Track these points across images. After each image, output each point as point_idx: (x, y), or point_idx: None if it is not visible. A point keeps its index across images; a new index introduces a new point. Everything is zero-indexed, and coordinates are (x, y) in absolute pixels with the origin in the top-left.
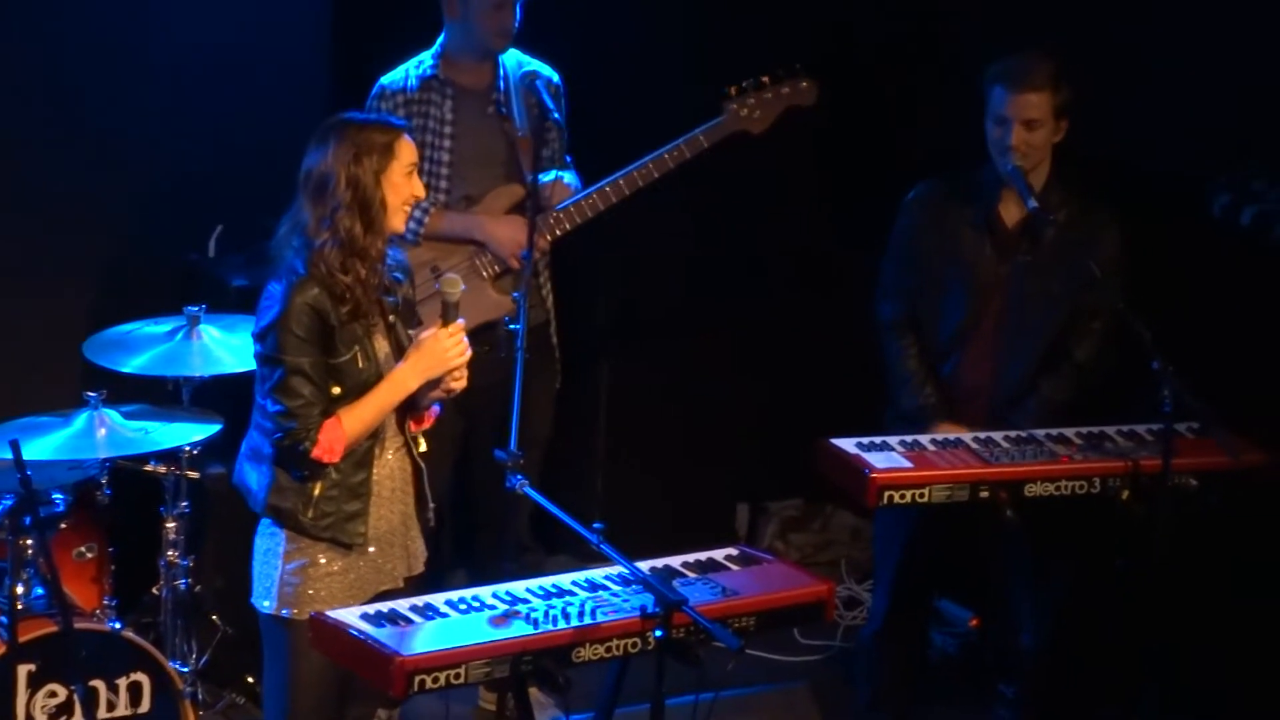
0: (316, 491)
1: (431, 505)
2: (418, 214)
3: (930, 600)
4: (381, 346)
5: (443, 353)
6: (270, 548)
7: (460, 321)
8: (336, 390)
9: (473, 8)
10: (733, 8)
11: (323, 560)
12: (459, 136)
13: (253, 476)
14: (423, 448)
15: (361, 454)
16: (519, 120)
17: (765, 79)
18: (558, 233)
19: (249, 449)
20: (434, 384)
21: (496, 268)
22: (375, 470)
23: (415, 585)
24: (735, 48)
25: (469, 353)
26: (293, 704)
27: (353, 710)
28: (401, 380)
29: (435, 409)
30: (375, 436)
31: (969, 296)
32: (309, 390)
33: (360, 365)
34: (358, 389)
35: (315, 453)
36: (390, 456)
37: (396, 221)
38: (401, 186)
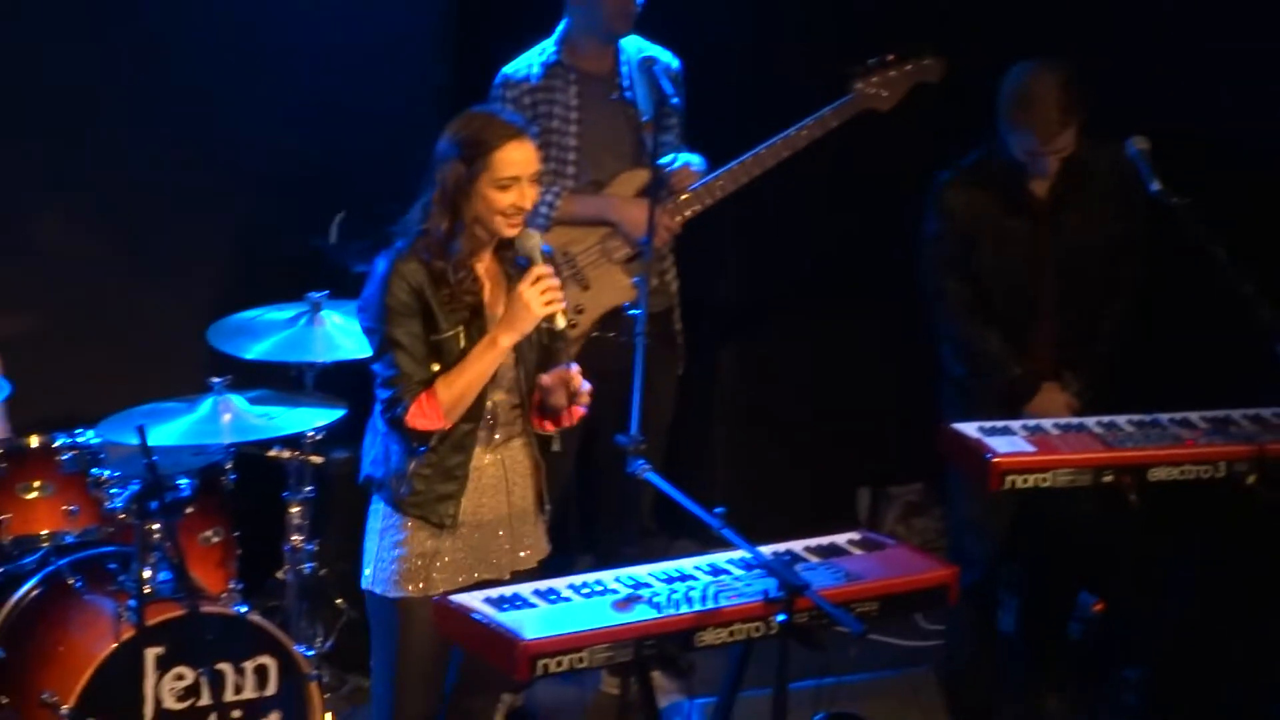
0: (410, 468)
1: (547, 506)
2: (549, 198)
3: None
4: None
5: (526, 305)
6: (375, 525)
7: (544, 268)
8: (435, 367)
9: None
10: None
11: (419, 540)
12: (584, 122)
13: (367, 447)
14: (556, 447)
15: (460, 437)
16: (643, 104)
17: (892, 56)
18: (687, 214)
19: (371, 421)
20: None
21: (627, 251)
22: (477, 457)
23: (533, 576)
24: (858, 25)
25: (560, 297)
26: (395, 680)
27: (477, 700)
28: (493, 339)
29: (580, 409)
30: (478, 420)
31: (1018, 272)
32: (405, 360)
33: (461, 345)
34: (435, 360)
35: (409, 419)
36: (501, 449)
37: (496, 226)
38: (494, 198)
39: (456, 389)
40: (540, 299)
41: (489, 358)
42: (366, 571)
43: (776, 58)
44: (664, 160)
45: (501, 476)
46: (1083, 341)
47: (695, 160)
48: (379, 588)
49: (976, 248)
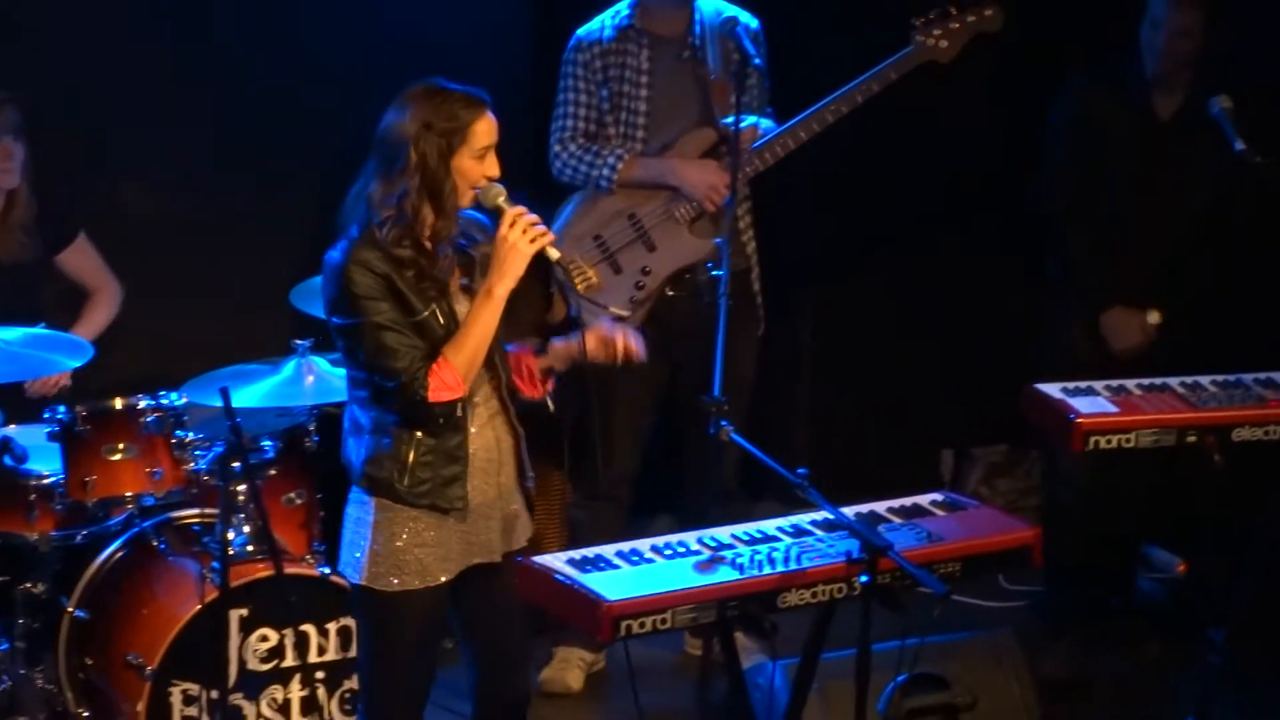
0: (411, 458)
1: (530, 474)
2: (611, 160)
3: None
4: (462, 306)
5: (513, 246)
6: (360, 517)
7: (518, 209)
8: (421, 345)
9: None
10: None
11: (414, 531)
12: (655, 85)
13: (353, 450)
14: (550, 408)
15: (454, 416)
16: (713, 64)
17: (953, 8)
18: (748, 171)
19: (348, 423)
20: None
21: (691, 212)
22: (471, 438)
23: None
24: None
25: (542, 230)
26: (383, 674)
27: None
28: (487, 290)
29: (552, 381)
30: (467, 397)
31: (1128, 185)
32: (397, 339)
33: (440, 323)
34: (441, 344)
35: (431, 394)
36: (483, 426)
37: (465, 201)
38: (471, 170)
39: (467, 350)
40: (524, 238)
41: (488, 311)
42: (353, 572)
43: (835, 9)
44: (729, 120)
45: (489, 457)
46: (1173, 273)
47: (766, 123)
48: (374, 581)
49: (1092, 151)
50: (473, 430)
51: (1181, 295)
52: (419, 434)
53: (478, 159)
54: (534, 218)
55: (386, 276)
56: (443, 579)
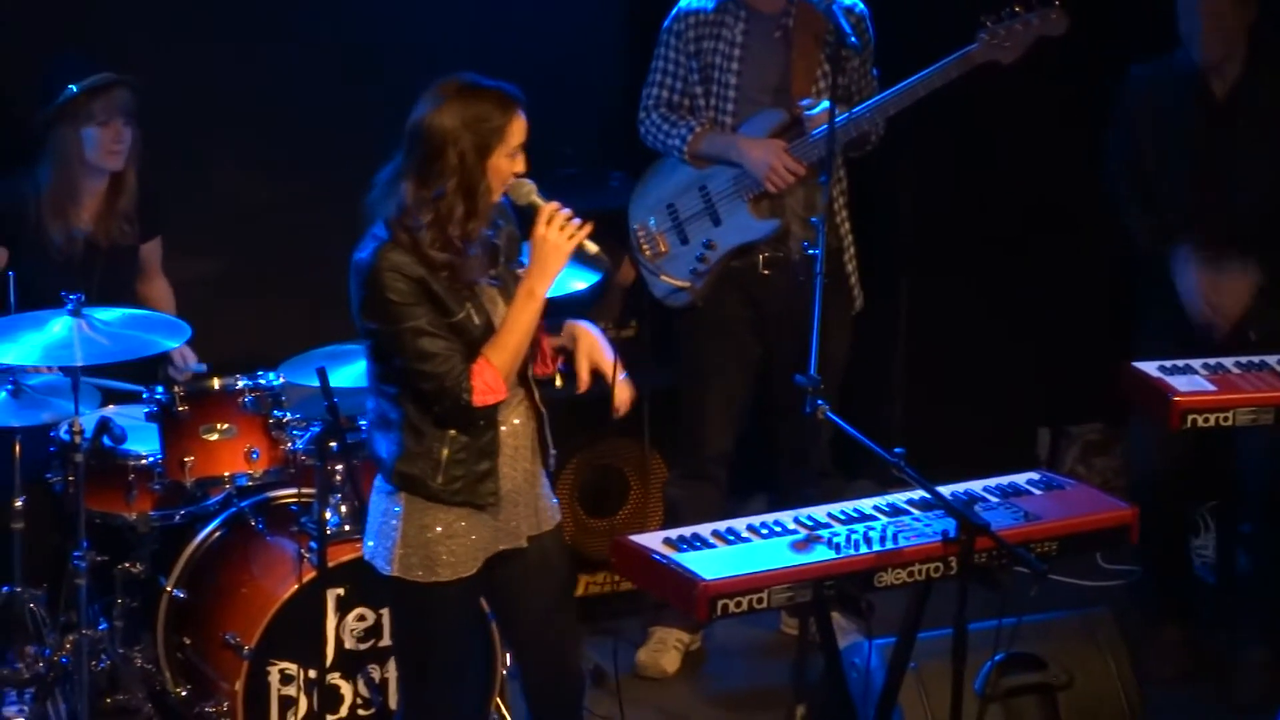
0: (445, 455)
1: (553, 451)
2: (684, 131)
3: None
4: (494, 298)
5: (552, 244)
6: (389, 509)
7: (552, 205)
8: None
9: None
10: None
11: (446, 524)
12: (746, 60)
13: (381, 445)
14: (559, 384)
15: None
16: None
17: (1018, 8)
18: (812, 159)
19: (375, 417)
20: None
21: (754, 190)
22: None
23: (553, 539)
24: None
25: (578, 225)
26: (421, 661)
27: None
28: (528, 290)
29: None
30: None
31: (1193, 169)
32: (438, 344)
33: (476, 322)
34: (479, 344)
35: (476, 400)
36: (510, 413)
37: (496, 199)
38: (504, 168)
39: (509, 352)
40: (563, 235)
41: (529, 312)
42: (385, 564)
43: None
44: (805, 102)
45: (517, 444)
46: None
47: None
48: (407, 573)
49: (1154, 138)
50: (505, 417)
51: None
52: (452, 431)
53: (510, 157)
54: (568, 212)
55: (421, 280)
56: (474, 570)
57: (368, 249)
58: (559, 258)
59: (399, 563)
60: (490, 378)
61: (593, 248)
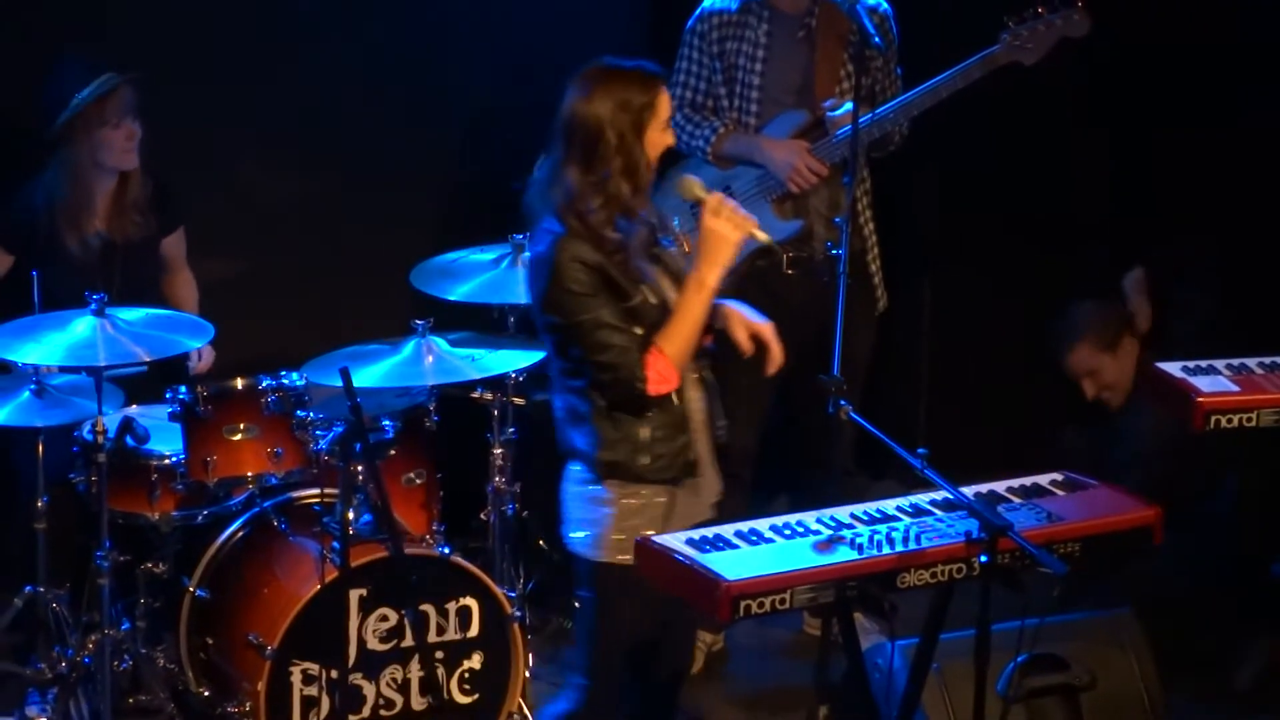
0: (645, 435)
1: (722, 423)
2: (707, 132)
3: None
4: (660, 277)
5: (720, 235)
6: (592, 495)
7: (717, 195)
8: (639, 330)
9: None
10: None
11: (652, 505)
12: (770, 60)
13: (578, 439)
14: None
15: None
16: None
17: (1040, 9)
18: (835, 160)
19: (564, 413)
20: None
21: (777, 190)
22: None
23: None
24: None
25: (746, 215)
26: (615, 642)
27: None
28: (698, 281)
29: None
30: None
31: None
32: (618, 337)
33: (653, 303)
34: (657, 326)
35: (652, 389)
36: (690, 386)
37: (653, 173)
38: (658, 142)
39: (680, 341)
40: (730, 225)
41: (700, 301)
42: (588, 542)
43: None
44: (829, 103)
45: (701, 417)
46: None
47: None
48: (613, 556)
49: None
50: (685, 391)
51: None
52: (649, 412)
53: (663, 130)
54: (733, 203)
55: (600, 267)
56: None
57: (544, 242)
58: (729, 248)
59: (611, 548)
60: (664, 367)
61: (762, 236)
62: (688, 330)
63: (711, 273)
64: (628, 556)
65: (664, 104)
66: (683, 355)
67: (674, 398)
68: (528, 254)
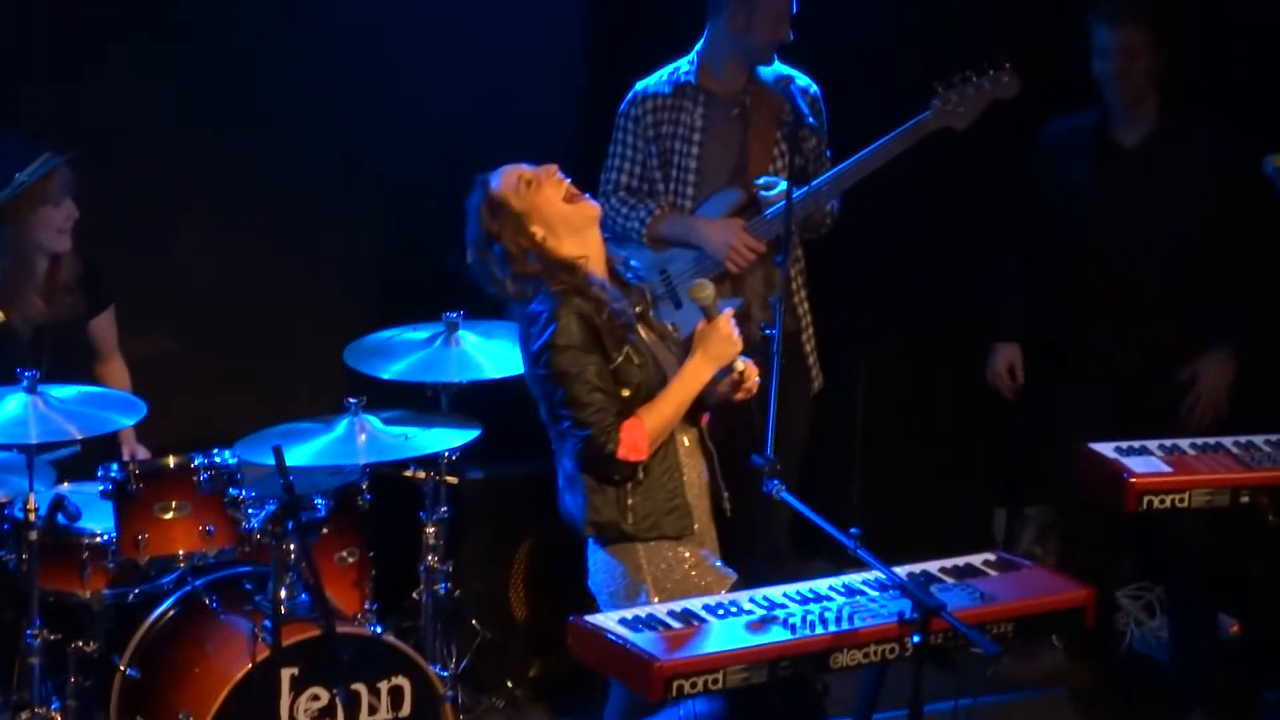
0: (629, 499)
1: (725, 494)
2: (643, 214)
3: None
4: (647, 336)
5: (726, 339)
6: (612, 567)
7: (728, 310)
8: (626, 392)
9: (756, 20)
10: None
11: (676, 556)
12: (705, 142)
13: (573, 503)
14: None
15: (660, 448)
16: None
17: (972, 74)
18: (770, 237)
19: (563, 478)
20: (723, 378)
21: (715, 271)
22: (680, 463)
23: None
24: (937, 41)
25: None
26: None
27: None
28: (695, 372)
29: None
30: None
31: (1102, 216)
32: (598, 397)
33: (637, 363)
34: (644, 386)
35: (621, 453)
36: (690, 455)
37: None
38: (551, 196)
39: (663, 420)
40: (735, 332)
41: (693, 388)
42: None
43: (861, 69)
44: (762, 181)
45: (701, 487)
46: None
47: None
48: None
49: (1059, 186)
50: (686, 458)
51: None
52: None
53: (554, 186)
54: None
55: (592, 324)
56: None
57: (546, 301)
58: (728, 353)
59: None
60: (638, 436)
61: (740, 365)
62: (671, 411)
63: (708, 369)
64: None
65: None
66: (660, 433)
67: (641, 471)
68: (461, 330)
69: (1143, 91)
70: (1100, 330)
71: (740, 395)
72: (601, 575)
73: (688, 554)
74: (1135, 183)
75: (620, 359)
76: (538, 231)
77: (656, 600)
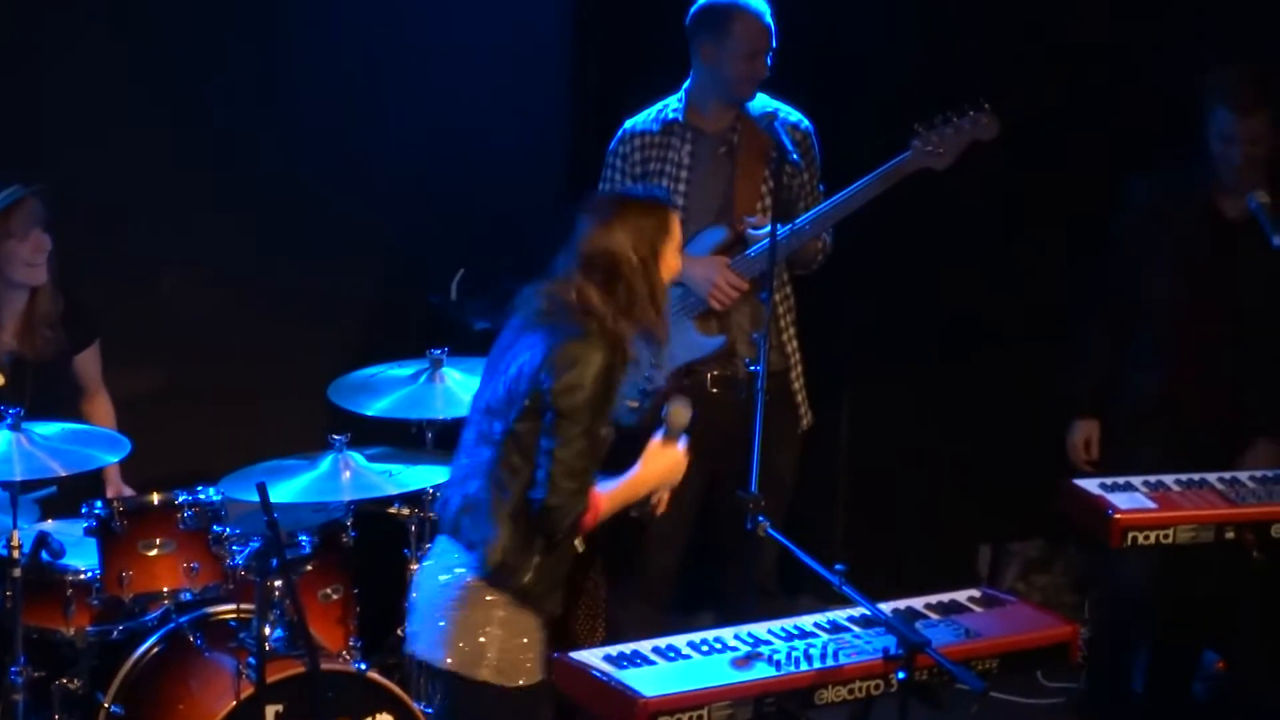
0: (539, 558)
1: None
2: None
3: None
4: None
5: (678, 465)
6: (484, 614)
7: (683, 446)
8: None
9: (725, 55)
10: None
11: (537, 631)
12: (693, 180)
13: (472, 527)
14: (634, 513)
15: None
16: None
17: (953, 115)
18: (754, 274)
19: (473, 499)
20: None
21: (701, 307)
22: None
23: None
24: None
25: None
26: None
27: None
28: (642, 482)
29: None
30: None
31: (1193, 285)
32: (593, 464)
33: (604, 435)
34: (601, 461)
35: (587, 521)
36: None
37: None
38: (672, 263)
39: (612, 508)
40: (681, 468)
41: (636, 495)
42: (478, 669)
43: (845, 109)
44: (750, 220)
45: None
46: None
47: (781, 228)
48: (512, 679)
49: (1151, 259)
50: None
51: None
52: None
53: (676, 251)
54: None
55: (615, 390)
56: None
57: (593, 343)
58: (671, 479)
59: (500, 667)
60: (593, 513)
61: (665, 498)
62: (620, 503)
63: (651, 484)
64: (512, 679)
65: (675, 227)
66: (604, 516)
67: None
68: (445, 367)
69: (1257, 172)
70: (1173, 403)
71: (635, 514)
72: (447, 601)
73: (541, 637)
74: (1233, 256)
75: (607, 430)
76: (665, 270)
77: (490, 656)
